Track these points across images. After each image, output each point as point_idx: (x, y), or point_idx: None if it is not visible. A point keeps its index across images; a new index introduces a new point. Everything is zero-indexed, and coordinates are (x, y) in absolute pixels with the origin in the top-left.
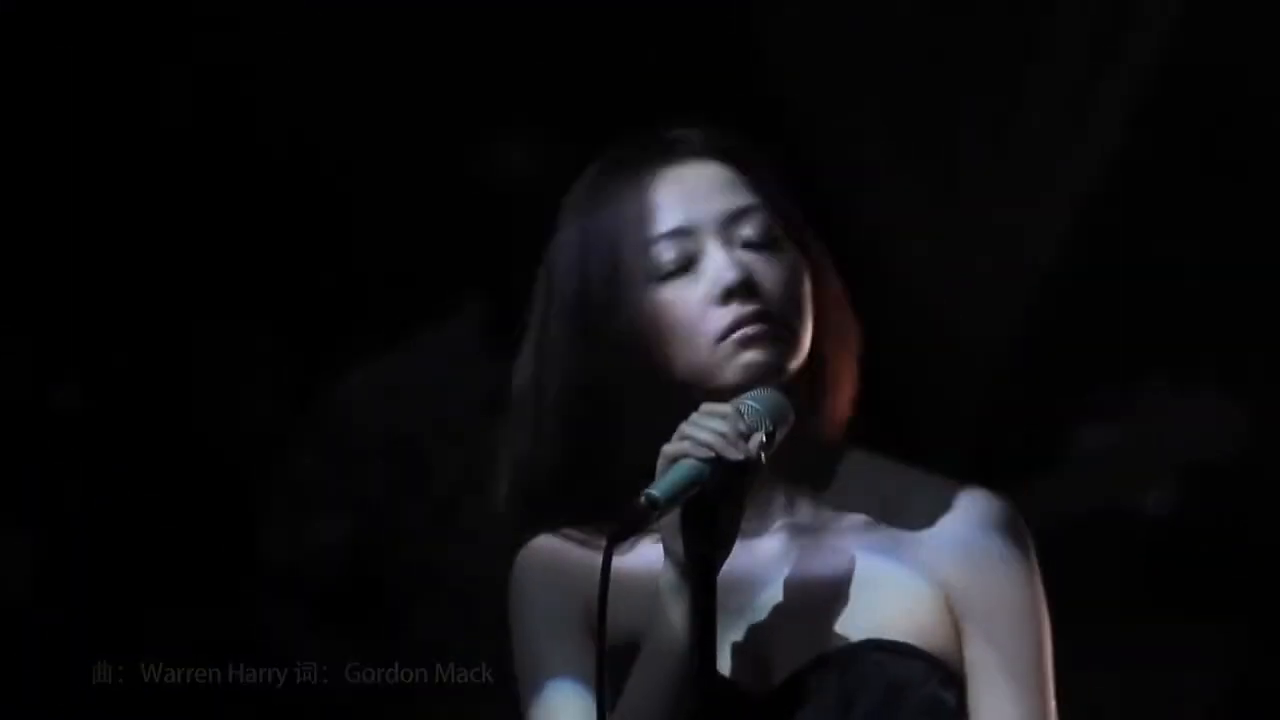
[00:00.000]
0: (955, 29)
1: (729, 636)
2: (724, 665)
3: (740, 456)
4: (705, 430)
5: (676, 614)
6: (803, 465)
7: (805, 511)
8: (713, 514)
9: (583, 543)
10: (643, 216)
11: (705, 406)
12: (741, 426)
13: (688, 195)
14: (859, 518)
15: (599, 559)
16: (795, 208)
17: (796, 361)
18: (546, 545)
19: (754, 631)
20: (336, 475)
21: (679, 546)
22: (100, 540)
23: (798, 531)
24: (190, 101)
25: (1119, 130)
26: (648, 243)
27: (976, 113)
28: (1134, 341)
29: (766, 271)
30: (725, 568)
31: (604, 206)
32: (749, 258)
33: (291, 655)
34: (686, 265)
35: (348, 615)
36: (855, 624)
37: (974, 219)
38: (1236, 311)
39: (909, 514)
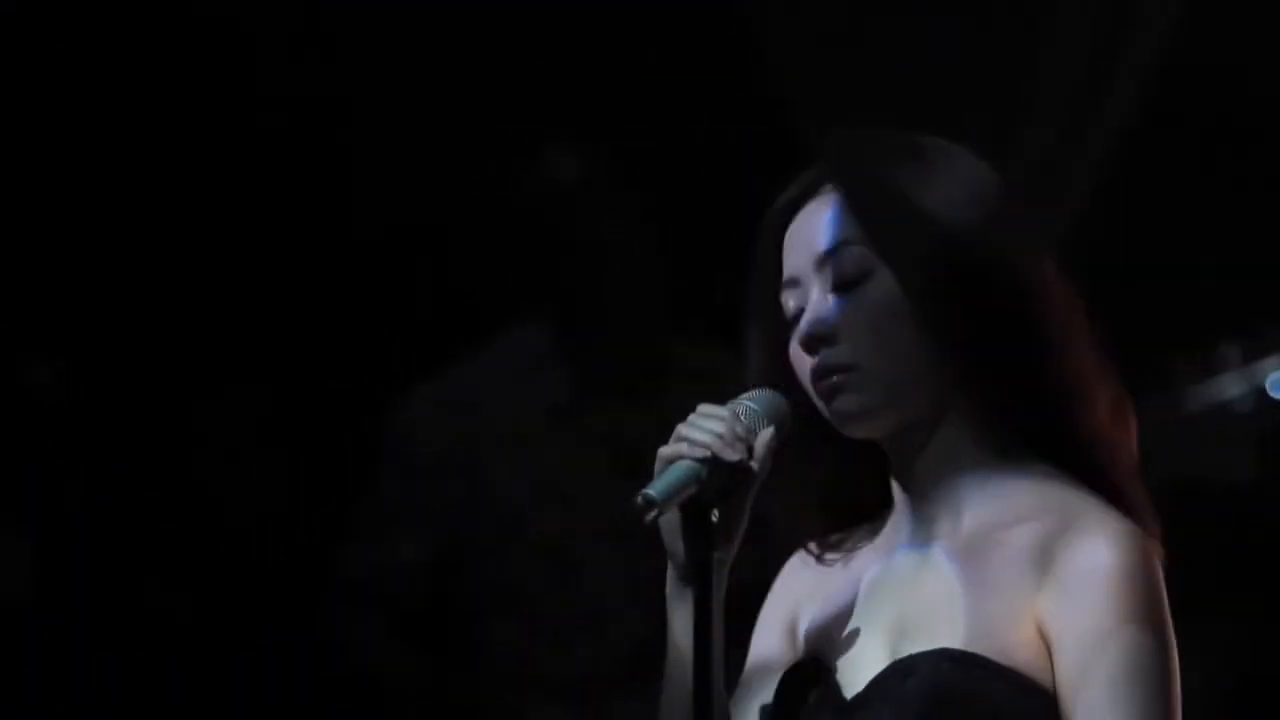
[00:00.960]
0: (955, 29)
1: (841, 639)
2: (832, 665)
3: (737, 457)
4: (701, 431)
5: (678, 617)
6: (962, 481)
7: (943, 523)
8: (710, 515)
9: (818, 551)
10: (780, 262)
11: (702, 407)
12: (739, 428)
13: (800, 242)
14: (984, 532)
15: (810, 567)
16: (917, 229)
17: (892, 399)
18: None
19: (861, 633)
20: (407, 490)
21: (679, 548)
22: (102, 540)
23: (926, 544)
24: (223, 106)
25: (1133, 124)
26: (780, 293)
27: (977, 113)
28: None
29: (847, 315)
30: (858, 573)
31: (763, 244)
32: (834, 303)
33: (367, 667)
34: (799, 314)
35: (422, 627)
36: (937, 635)
37: None
38: None
39: (1028, 535)
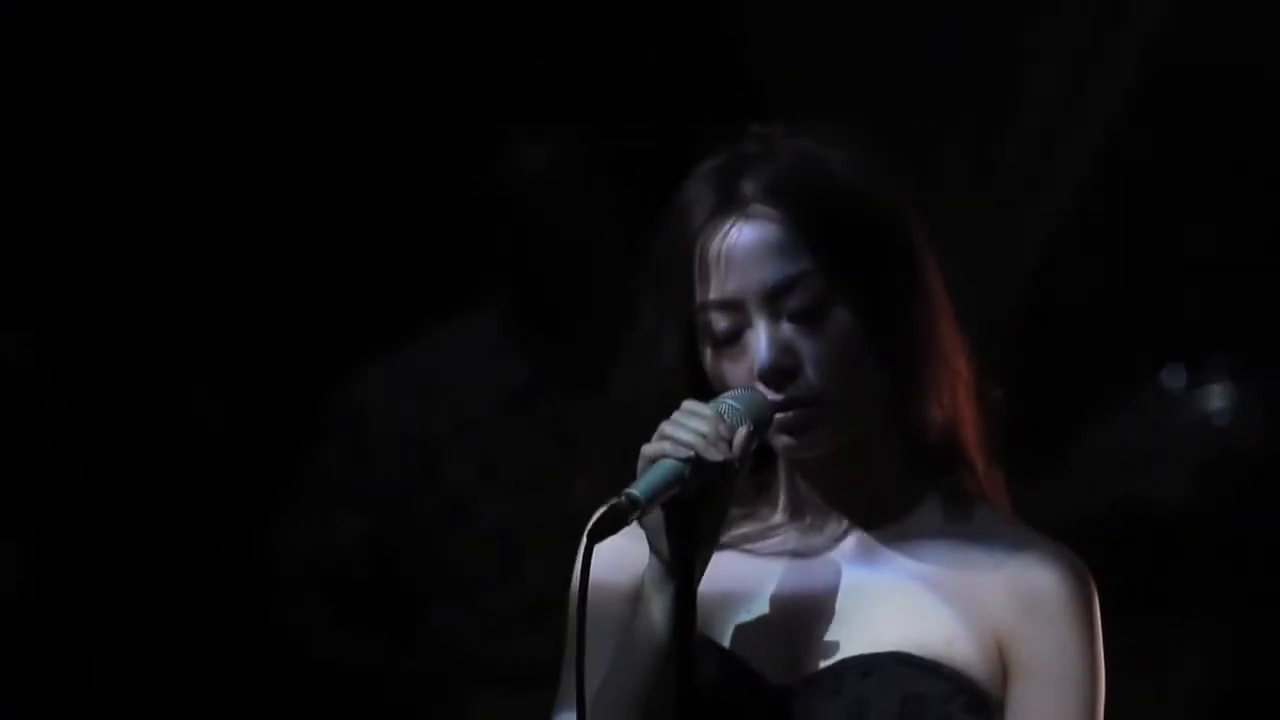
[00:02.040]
0: (951, 29)
1: (767, 631)
2: (752, 656)
3: (720, 458)
4: (685, 430)
5: (657, 610)
6: (888, 490)
7: (878, 532)
8: (692, 514)
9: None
10: (703, 275)
11: (686, 405)
12: (722, 429)
13: (739, 261)
14: (928, 544)
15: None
16: (866, 255)
17: (841, 435)
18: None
19: (792, 629)
20: (353, 469)
21: (662, 544)
22: (94, 535)
23: (863, 549)
24: (199, 94)
25: (1118, 125)
26: (705, 306)
27: (971, 114)
28: (1145, 337)
29: (809, 347)
30: (786, 556)
31: (675, 250)
32: (792, 334)
33: (305, 648)
34: (736, 335)
35: (362, 609)
36: (889, 637)
37: (970, 215)
38: (1247, 305)
39: (979, 553)
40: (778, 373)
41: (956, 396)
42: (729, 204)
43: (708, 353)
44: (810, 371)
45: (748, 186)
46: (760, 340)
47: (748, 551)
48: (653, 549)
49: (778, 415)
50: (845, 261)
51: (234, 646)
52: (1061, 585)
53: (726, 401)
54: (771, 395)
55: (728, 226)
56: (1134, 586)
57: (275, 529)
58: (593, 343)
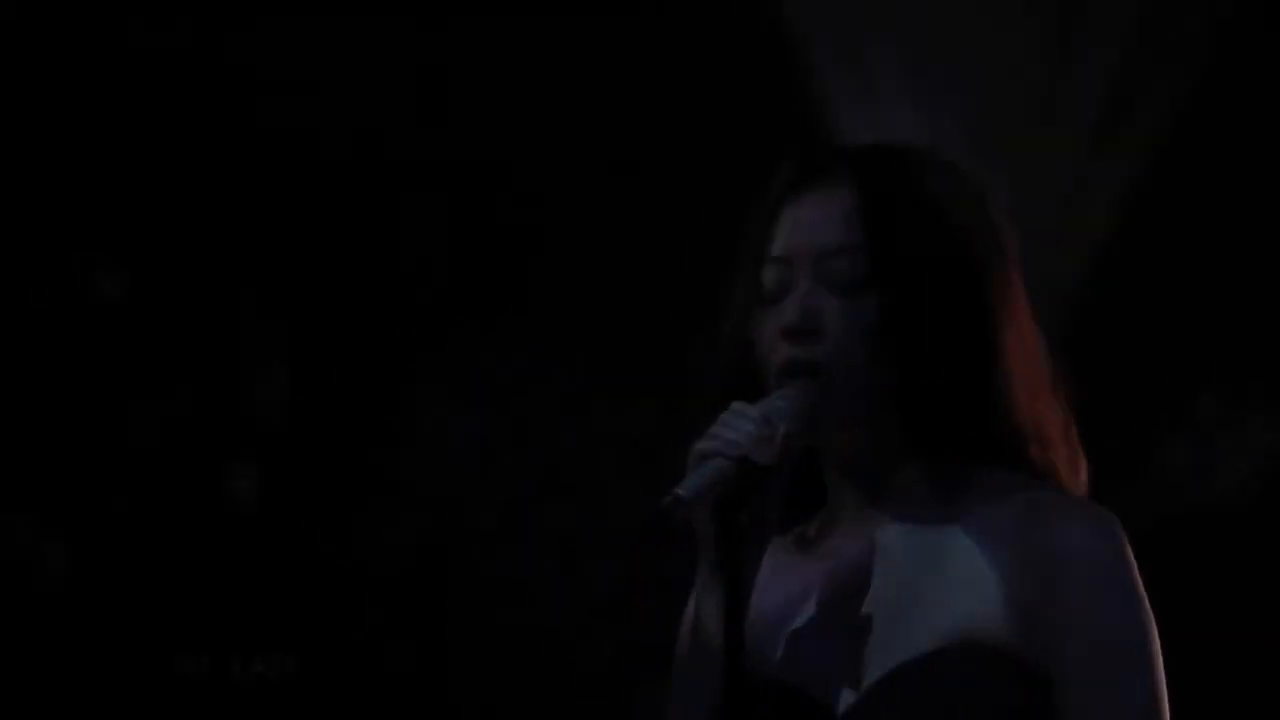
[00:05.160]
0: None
1: (810, 642)
2: (798, 675)
3: (769, 460)
4: (735, 430)
5: (708, 609)
6: (916, 474)
7: (910, 519)
8: (738, 515)
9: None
10: (774, 234)
11: (736, 406)
12: (767, 429)
13: (803, 226)
14: (959, 525)
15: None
16: (920, 253)
17: (850, 411)
18: None
19: (830, 642)
20: (413, 472)
21: (710, 544)
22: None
23: (892, 539)
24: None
25: (1178, 129)
26: (765, 260)
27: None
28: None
29: (838, 317)
30: (816, 569)
31: (761, 211)
32: (828, 300)
33: (363, 650)
34: (782, 294)
35: (421, 611)
36: (920, 638)
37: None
38: None
39: (1010, 522)
40: (799, 332)
41: (1014, 395)
42: (815, 173)
43: (758, 311)
44: (829, 339)
45: (837, 160)
46: (793, 298)
47: (783, 559)
48: (700, 550)
49: (782, 376)
50: (896, 249)
51: (293, 646)
52: (1085, 544)
53: (775, 402)
54: (785, 350)
55: (805, 191)
56: (1209, 589)
57: (337, 532)
58: (652, 350)
